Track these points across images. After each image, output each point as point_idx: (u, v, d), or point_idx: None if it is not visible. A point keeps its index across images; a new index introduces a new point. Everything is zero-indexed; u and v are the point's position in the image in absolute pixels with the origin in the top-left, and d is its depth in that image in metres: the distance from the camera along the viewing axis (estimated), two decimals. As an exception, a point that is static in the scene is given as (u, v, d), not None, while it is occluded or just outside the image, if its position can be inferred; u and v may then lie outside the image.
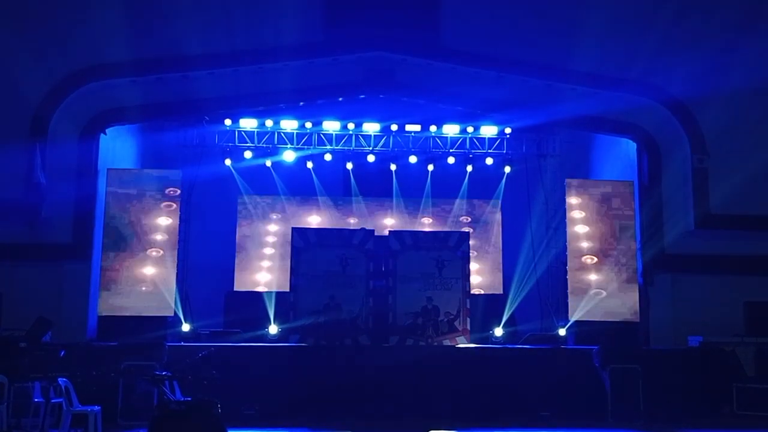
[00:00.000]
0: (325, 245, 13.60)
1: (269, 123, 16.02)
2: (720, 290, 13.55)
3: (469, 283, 13.99)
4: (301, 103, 14.83)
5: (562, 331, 14.24)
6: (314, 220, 16.65)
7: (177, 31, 13.49)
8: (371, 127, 16.26)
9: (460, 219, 16.95)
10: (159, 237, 14.04)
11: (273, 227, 16.50)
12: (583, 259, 14.47)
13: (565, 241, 14.88)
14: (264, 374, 11.49)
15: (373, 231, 14.24)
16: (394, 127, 16.25)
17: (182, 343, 13.07)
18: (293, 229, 14.13)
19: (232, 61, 13.87)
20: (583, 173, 16.70)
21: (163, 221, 14.12)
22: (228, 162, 16.24)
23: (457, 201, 16.99)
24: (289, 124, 16.10)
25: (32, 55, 13.31)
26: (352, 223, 16.70)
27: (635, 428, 10.85)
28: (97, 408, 9.13)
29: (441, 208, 17.06)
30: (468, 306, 13.39)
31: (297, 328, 12.87)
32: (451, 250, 13.74)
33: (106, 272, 13.68)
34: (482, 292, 16.10)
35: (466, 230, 15.64)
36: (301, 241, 13.65)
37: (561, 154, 16.97)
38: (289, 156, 16.30)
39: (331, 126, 16.20)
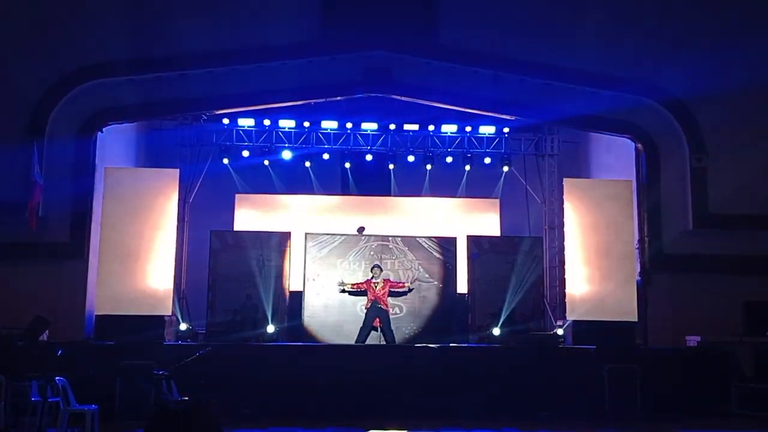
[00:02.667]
0: (241, 246, 14.56)
1: (267, 122, 16.02)
2: (718, 290, 13.49)
3: (544, 286, 15.25)
4: (299, 102, 14.80)
5: (560, 331, 14.23)
6: (312, 219, 16.60)
7: (175, 30, 13.45)
8: (369, 126, 16.25)
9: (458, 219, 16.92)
10: (156, 235, 13.99)
11: (270, 226, 16.45)
12: (581, 258, 14.43)
13: (563, 241, 14.88)
14: (263, 374, 11.45)
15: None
16: (392, 126, 16.25)
17: (180, 342, 13.05)
18: (211, 231, 14.72)
19: (229, 60, 13.82)
20: (581, 173, 16.69)
21: (161, 220, 14.07)
22: (226, 160, 16.23)
23: (456, 200, 16.97)
24: (287, 123, 16.09)
25: (30, 54, 13.26)
26: (350, 222, 16.64)
27: (633, 428, 10.82)
28: (94, 407, 9.07)
29: (439, 208, 17.03)
30: (542, 307, 14.62)
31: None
32: (525, 255, 14.67)
33: (103, 271, 13.63)
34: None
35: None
36: (218, 243, 14.55)
37: (559, 153, 17.02)
38: (287, 155, 16.27)
39: (329, 125, 16.19)
